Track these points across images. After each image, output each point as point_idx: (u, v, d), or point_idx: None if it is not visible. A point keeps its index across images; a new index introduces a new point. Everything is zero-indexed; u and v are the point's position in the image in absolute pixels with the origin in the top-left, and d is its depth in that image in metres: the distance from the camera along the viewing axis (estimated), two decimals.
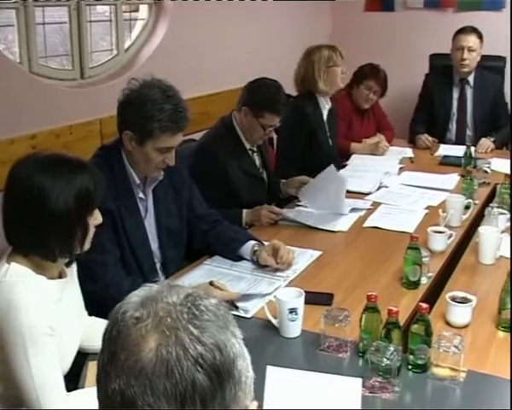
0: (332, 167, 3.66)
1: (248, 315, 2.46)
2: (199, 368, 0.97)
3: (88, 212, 2.08)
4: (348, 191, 3.83)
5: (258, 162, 3.75)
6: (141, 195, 2.82)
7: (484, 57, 5.32)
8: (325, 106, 4.52)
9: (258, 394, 1.81)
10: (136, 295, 1.06)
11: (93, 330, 2.21)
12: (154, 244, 2.89)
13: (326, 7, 6.60)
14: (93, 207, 2.10)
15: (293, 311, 2.28)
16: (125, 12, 4.41)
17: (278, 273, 2.80)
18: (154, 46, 4.47)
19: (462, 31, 5.19)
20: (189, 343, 0.98)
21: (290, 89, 4.34)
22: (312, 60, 4.40)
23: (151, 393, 0.96)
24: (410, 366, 2.11)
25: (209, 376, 0.97)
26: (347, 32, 6.52)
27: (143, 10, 4.54)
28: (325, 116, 4.52)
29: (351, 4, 6.58)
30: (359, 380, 1.92)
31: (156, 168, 2.75)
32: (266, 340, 2.32)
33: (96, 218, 2.14)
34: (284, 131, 4.14)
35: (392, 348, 1.99)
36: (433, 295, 2.65)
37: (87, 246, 2.13)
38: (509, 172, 3.95)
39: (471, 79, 5.29)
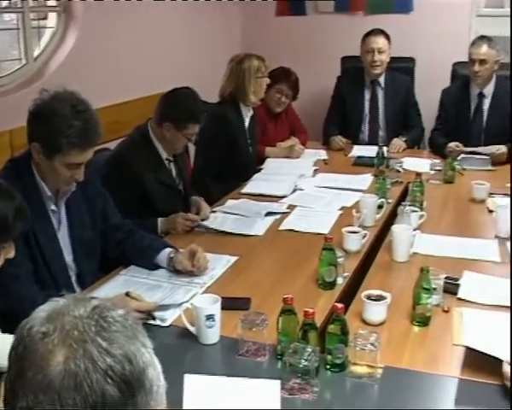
0: None
1: (166, 324, 2.43)
2: (108, 380, 0.96)
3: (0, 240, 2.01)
4: (263, 195, 3.87)
5: (174, 172, 3.71)
6: (53, 207, 2.76)
7: (393, 59, 5.44)
8: (247, 113, 4.54)
9: (179, 402, 1.81)
10: (42, 310, 1.04)
11: (6, 348, 2.14)
12: (69, 256, 2.83)
13: (236, 11, 6.62)
14: (7, 237, 2.03)
15: (210, 317, 2.27)
16: (34, 20, 4.34)
17: (195, 280, 2.78)
18: (63, 54, 4.40)
19: (371, 33, 5.30)
20: (97, 356, 0.97)
21: (203, 94, 4.32)
22: (243, 68, 4.41)
23: (60, 407, 0.94)
24: (328, 366, 2.13)
25: (119, 387, 0.96)
26: (258, 37, 6.57)
27: (52, 18, 4.47)
28: (247, 124, 4.54)
29: (261, 9, 6.61)
30: (277, 382, 1.93)
31: (66, 183, 2.70)
32: (185, 348, 2.31)
33: (9, 252, 2.07)
34: (204, 139, 4.13)
35: (309, 349, 2.01)
36: (349, 295, 2.68)
37: None
38: (420, 170, 4.03)
39: (382, 80, 5.39)
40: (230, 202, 3.84)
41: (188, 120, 3.46)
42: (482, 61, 4.86)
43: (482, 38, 5.00)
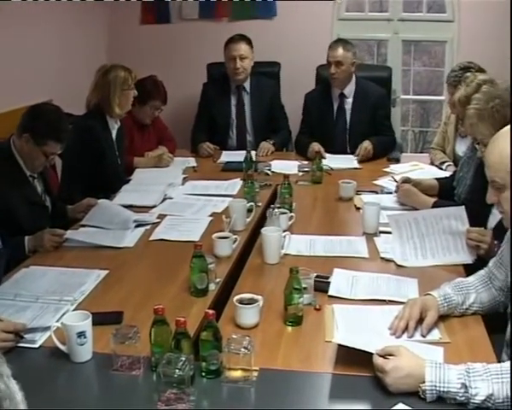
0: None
1: (36, 345, 2.35)
2: None
3: None
4: (133, 206, 3.82)
5: (40, 189, 3.60)
6: None
7: (259, 64, 5.52)
8: (114, 125, 4.45)
9: None
10: None
11: None
12: None
13: (102, 20, 6.53)
14: None
15: (81, 334, 2.22)
16: None
17: (65, 298, 2.69)
18: None
19: (232, 40, 5.34)
20: None
21: (69, 106, 4.23)
22: (108, 80, 4.30)
23: None
24: (203, 373, 2.13)
25: None
26: (125, 45, 6.51)
27: None
28: (114, 135, 4.46)
29: (126, 18, 6.56)
30: None
31: None
32: (57, 368, 2.24)
33: None
34: (70, 152, 4.03)
35: (183, 359, 1.99)
36: (223, 300, 2.68)
37: None
38: (288, 172, 4.10)
39: (247, 85, 5.45)
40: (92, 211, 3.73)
41: (48, 135, 3.36)
42: (338, 63, 5.02)
43: (338, 40, 5.19)
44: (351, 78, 5.17)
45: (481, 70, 4.29)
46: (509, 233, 2.48)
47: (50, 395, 2.07)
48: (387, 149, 5.14)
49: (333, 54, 5.04)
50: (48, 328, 2.40)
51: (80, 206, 3.78)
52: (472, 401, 1.93)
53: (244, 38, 5.34)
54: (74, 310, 2.55)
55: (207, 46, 6.22)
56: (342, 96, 5.19)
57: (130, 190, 4.24)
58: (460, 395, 1.94)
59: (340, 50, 5.02)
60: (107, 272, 2.99)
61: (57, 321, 2.41)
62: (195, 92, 5.69)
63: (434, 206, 3.50)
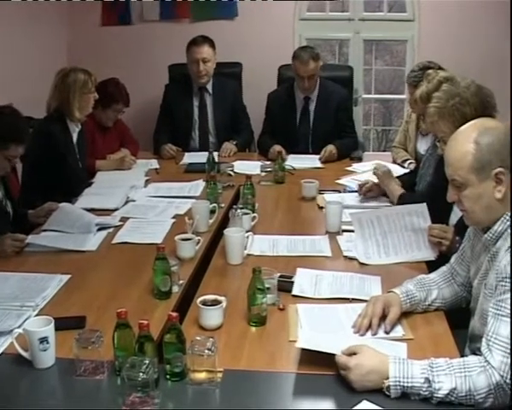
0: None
1: None
2: None
3: None
4: (95, 209, 3.78)
5: (0, 194, 3.57)
6: None
7: (221, 64, 5.52)
8: (75, 129, 4.40)
9: None
10: None
11: None
12: None
13: (61, 23, 6.47)
14: None
15: (43, 340, 2.19)
16: None
17: (27, 303, 2.65)
18: None
19: (195, 42, 5.31)
20: None
21: (29, 109, 4.17)
22: (68, 83, 4.25)
23: None
24: (168, 376, 2.12)
25: None
26: (85, 47, 6.47)
27: None
28: (75, 139, 4.41)
29: (87, 19, 6.51)
30: None
31: None
32: (19, 375, 2.21)
33: None
34: (31, 156, 3.99)
35: (147, 362, 1.98)
36: (187, 302, 2.68)
37: None
38: (250, 172, 4.10)
39: (209, 86, 5.44)
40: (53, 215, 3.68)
41: (10, 139, 3.31)
42: (310, 77, 5.01)
43: (304, 51, 5.08)
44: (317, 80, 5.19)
45: (441, 69, 4.32)
46: (469, 230, 2.51)
47: (13, 402, 2.05)
48: (350, 151, 5.18)
49: (305, 69, 5.00)
50: (9, 334, 2.37)
51: (41, 210, 3.73)
52: (435, 395, 1.96)
53: (207, 40, 5.32)
54: (36, 316, 2.52)
55: (169, 47, 6.22)
56: (306, 99, 5.21)
57: (92, 194, 4.21)
58: (424, 389, 1.96)
59: (312, 64, 4.99)
60: (69, 276, 2.95)
61: (19, 327, 2.38)
62: (157, 94, 5.67)
63: (400, 198, 3.57)
